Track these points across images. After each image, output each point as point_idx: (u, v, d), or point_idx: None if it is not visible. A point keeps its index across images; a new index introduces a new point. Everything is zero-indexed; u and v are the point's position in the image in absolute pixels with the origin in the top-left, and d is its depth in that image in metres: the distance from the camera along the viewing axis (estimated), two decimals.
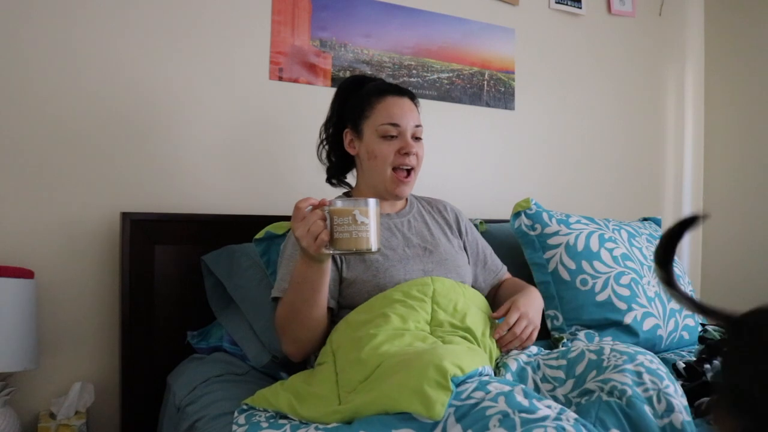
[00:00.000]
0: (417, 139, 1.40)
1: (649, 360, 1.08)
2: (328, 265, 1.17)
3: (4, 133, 1.57)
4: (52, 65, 1.61)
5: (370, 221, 1.06)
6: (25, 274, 1.47)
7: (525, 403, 0.90)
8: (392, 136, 1.37)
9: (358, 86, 1.45)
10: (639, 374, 1.04)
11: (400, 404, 0.93)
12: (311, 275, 1.15)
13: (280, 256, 1.38)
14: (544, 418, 0.86)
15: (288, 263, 1.30)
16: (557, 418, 0.87)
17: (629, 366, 1.06)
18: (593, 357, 1.13)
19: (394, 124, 1.36)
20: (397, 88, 1.43)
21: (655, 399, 1.01)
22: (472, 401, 0.92)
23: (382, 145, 1.36)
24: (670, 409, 0.99)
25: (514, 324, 1.27)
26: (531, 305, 1.32)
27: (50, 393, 1.59)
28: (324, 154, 1.49)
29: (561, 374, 1.15)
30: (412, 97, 1.44)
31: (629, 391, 1.01)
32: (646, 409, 0.99)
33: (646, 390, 1.02)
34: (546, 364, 1.19)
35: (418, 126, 1.40)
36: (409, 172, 1.40)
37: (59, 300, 1.62)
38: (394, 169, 1.38)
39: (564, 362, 1.17)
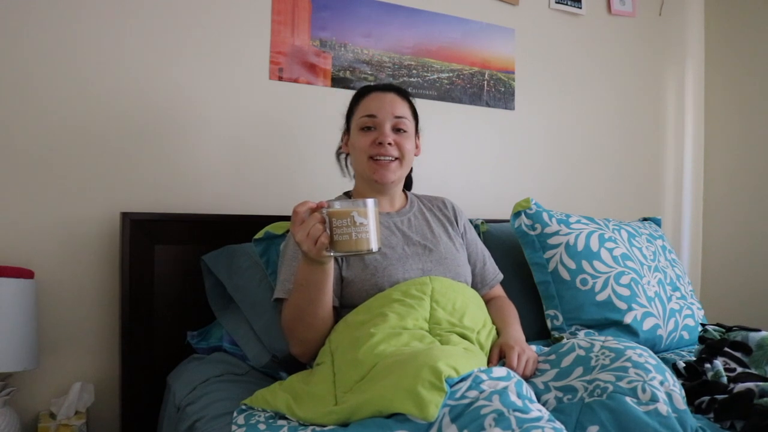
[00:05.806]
0: (399, 130, 1.39)
1: (638, 354, 1.08)
2: (331, 267, 1.16)
3: (4, 133, 1.57)
4: (53, 66, 1.61)
5: (369, 222, 1.05)
6: (25, 274, 1.47)
7: (518, 403, 0.90)
8: (369, 128, 1.39)
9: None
10: (624, 369, 1.04)
11: (393, 405, 0.93)
12: (314, 277, 1.15)
13: (281, 257, 1.38)
14: (539, 419, 0.87)
15: (290, 264, 1.30)
16: (551, 419, 0.88)
17: (616, 363, 1.06)
18: (582, 353, 1.13)
19: (371, 116, 1.38)
20: (385, 85, 1.45)
21: (639, 389, 1.00)
22: (466, 401, 0.92)
23: (360, 136, 1.39)
24: (654, 398, 0.99)
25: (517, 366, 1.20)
26: (519, 338, 1.29)
27: (50, 393, 1.60)
28: (344, 162, 1.55)
29: (547, 366, 1.16)
30: (401, 93, 1.44)
31: (610, 387, 1.01)
32: (628, 399, 0.99)
33: (629, 382, 1.02)
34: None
35: (399, 117, 1.39)
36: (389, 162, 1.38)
37: (59, 300, 1.62)
38: (372, 158, 1.38)
39: (554, 357, 1.18)
